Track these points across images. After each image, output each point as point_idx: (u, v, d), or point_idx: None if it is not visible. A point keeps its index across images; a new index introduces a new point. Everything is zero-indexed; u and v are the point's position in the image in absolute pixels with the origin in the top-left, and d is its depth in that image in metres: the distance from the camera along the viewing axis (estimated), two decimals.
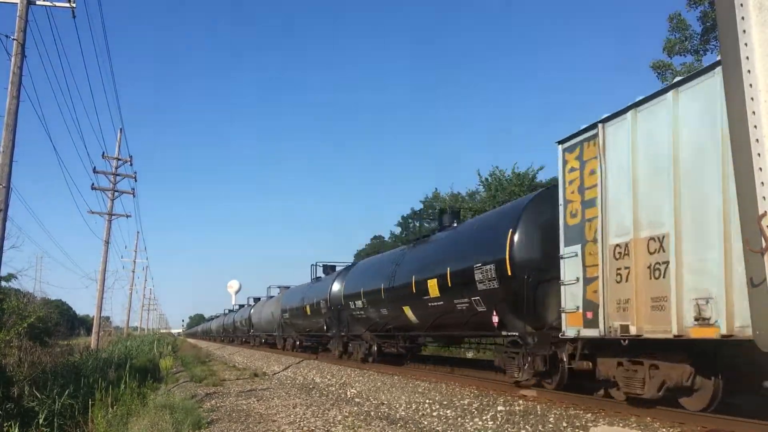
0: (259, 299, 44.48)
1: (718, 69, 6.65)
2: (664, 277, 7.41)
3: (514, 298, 10.62)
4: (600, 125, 8.78)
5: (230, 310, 65.05)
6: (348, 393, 13.17)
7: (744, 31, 3.43)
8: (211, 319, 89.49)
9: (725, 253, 6.60)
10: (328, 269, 27.01)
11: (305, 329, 27.69)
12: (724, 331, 6.52)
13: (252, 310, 42.39)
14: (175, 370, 22.56)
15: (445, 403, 10.24)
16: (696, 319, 6.87)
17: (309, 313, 25.50)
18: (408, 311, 15.47)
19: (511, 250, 10.69)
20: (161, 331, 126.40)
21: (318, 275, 27.35)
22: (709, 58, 29.59)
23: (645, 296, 7.70)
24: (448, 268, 13.16)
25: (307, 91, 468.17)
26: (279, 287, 37.70)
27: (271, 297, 38.15)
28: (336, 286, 22.21)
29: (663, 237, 7.49)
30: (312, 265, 27.59)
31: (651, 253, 7.67)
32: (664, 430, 7.02)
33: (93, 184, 27.85)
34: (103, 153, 28.63)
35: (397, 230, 56.04)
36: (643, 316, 7.69)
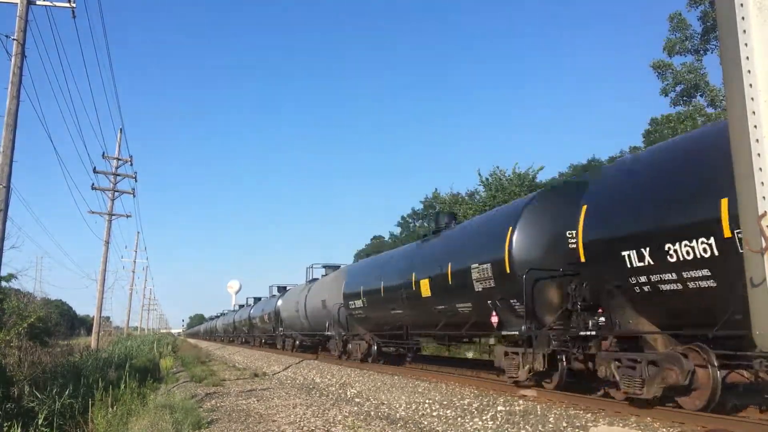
0: (285, 288, 35.04)
1: None
2: None
3: None
4: None
5: (240, 306, 56.21)
6: (348, 393, 13.16)
7: (744, 31, 3.43)
8: (216, 317, 77.70)
9: None
10: (449, 219, 15.79)
11: (399, 324, 16.91)
12: None
13: (280, 302, 32.92)
14: (175, 370, 22.56)
15: (445, 403, 10.24)
16: None
17: (432, 293, 14.22)
18: None
19: None
20: (161, 331, 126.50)
21: (437, 226, 15.97)
22: (710, 58, 29.57)
23: None
24: None
25: (308, 93, 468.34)
26: (326, 266, 27.91)
27: (314, 281, 27.74)
28: (523, 234, 11.00)
29: None
30: (431, 213, 19.16)
31: None
32: (663, 430, 7.01)
33: (93, 184, 27.88)
34: (103, 153, 28.66)
35: (397, 230, 56.06)
36: None
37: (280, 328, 32.56)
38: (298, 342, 30.03)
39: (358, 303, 19.19)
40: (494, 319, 11.68)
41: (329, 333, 23.00)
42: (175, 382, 17.86)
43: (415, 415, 9.68)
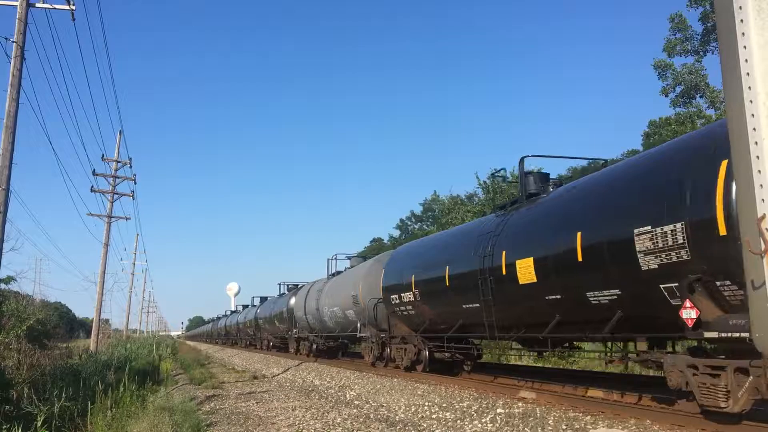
0: (297, 287, 28.16)
1: None
2: None
3: None
4: None
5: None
6: (347, 395, 13.14)
7: (743, 34, 3.43)
8: (232, 313, 60.87)
9: None
10: (543, 180, 11.86)
11: (468, 323, 12.87)
12: None
13: (293, 301, 27.79)
14: (175, 373, 22.53)
15: (444, 405, 10.22)
16: None
17: (538, 277, 9.88)
18: None
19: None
20: (160, 333, 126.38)
21: (526, 191, 11.87)
22: (710, 59, 29.58)
23: None
24: None
25: (307, 94, 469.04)
26: (351, 257, 23.60)
27: (336, 275, 23.13)
28: None
29: None
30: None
31: None
32: None
33: (92, 186, 27.86)
34: (103, 155, 28.65)
35: (396, 233, 56.01)
36: None
37: (294, 330, 27.66)
38: (315, 346, 25.29)
39: (407, 297, 15.21)
40: (690, 313, 7.06)
41: (362, 335, 18.76)
42: (175, 384, 17.84)
43: (415, 417, 9.67)
